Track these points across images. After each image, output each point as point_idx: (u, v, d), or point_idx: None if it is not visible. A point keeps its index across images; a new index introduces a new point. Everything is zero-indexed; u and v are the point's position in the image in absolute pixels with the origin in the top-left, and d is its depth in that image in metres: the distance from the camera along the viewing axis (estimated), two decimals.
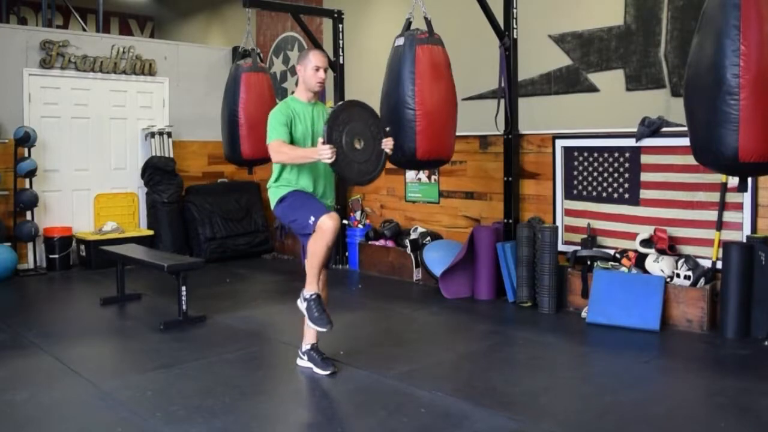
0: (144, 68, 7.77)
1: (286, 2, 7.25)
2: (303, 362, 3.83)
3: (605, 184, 5.18)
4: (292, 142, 3.58)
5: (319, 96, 3.80)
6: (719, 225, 4.60)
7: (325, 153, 3.30)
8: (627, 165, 5.04)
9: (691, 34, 3.74)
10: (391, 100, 4.51)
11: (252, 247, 7.79)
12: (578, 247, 5.15)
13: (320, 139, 3.38)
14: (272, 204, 3.68)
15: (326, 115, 3.80)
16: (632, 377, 3.67)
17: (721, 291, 4.37)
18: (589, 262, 4.96)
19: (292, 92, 3.92)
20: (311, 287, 3.54)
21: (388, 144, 3.63)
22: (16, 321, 4.99)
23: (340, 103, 3.54)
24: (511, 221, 5.52)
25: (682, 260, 4.63)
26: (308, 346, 3.80)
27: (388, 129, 3.74)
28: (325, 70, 3.70)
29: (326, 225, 3.39)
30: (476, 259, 5.45)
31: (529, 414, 3.15)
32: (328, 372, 3.69)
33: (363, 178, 3.60)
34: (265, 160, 5.79)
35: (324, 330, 3.54)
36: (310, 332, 3.79)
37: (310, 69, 3.65)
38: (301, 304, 3.59)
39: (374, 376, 3.68)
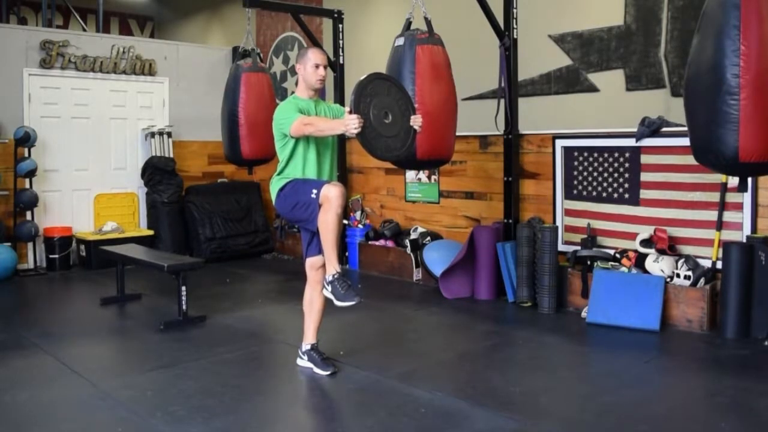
0: (144, 68, 7.77)
1: (286, 2, 7.25)
2: (303, 362, 3.82)
3: (605, 184, 5.18)
4: (298, 140, 3.53)
5: (319, 94, 3.80)
6: (719, 225, 4.60)
7: (352, 123, 3.18)
8: (627, 165, 5.04)
9: (691, 34, 3.74)
10: None
11: (252, 247, 7.79)
12: (578, 247, 5.14)
13: (346, 109, 3.30)
14: (273, 196, 3.65)
15: (331, 110, 3.76)
16: (632, 377, 3.67)
17: (721, 291, 4.37)
18: (589, 262, 4.96)
19: (293, 92, 3.91)
20: (332, 267, 3.40)
21: (417, 121, 3.50)
22: (16, 321, 4.99)
23: (369, 74, 3.40)
24: (511, 221, 5.52)
25: (682, 260, 4.63)
26: (308, 346, 3.80)
27: (417, 107, 3.54)
28: (325, 68, 3.67)
29: (331, 192, 3.34)
30: (476, 259, 5.45)
31: (529, 414, 3.15)
32: (328, 372, 3.68)
33: (389, 154, 3.43)
34: (265, 160, 5.80)
35: (353, 303, 3.36)
36: (310, 332, 3.79)
37: (310, 67, 3.62)
38: (326, 290, 3.43)
39: (374, 376, 3.67)
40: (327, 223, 3.37)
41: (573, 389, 3.55)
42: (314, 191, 3.41)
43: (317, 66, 3.62)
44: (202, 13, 10.81)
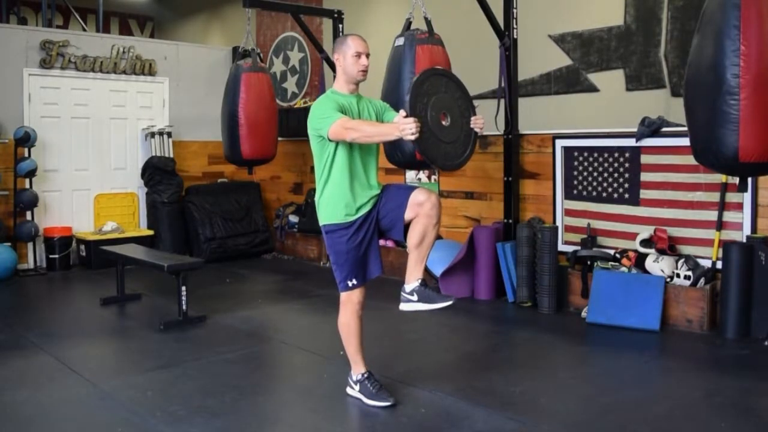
0: (144, 68, 7.77)
1: (286, 2, 7.25)
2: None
3: (605, 184, 5.18)
4: (338, 146, 3.09)
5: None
6: (719, 225, 4.60)
7: (408, 127, 2.75)
8: (627, 165, 5.04)
9: (691, 34, 3.74)
10: (390, 100, 4.50)
11: (252, 247, 7.79)
12: (578, 247, 5.14)
13: (401, 112, 2.83)
14: (320, 221, 3.26)
15: (374, 107, 3.29)
16: (632, 377, 3.67)
17: (721, 291, 4.37)
18: (589, 262, 4.96)
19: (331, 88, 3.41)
20: (357, 368, 3.30)
21: (478, 123, 3.14)
22: (16, 321, 4.99)
23: (424, 69, 3.03)
24: (511, 221, 5.52)
25: (682, 260, 4.63)
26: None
27: (477, 105, 3.15)
28: (368, 56, 3.18)
29: (353, 298, 3.26)
30: (476, 259, 5.45)
31: (529, 414, 3.15)
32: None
33: (450, 162, 3.07)
34: (265, 160, 5.81)
35: (389, 404, 3.18)
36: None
37: (350, 56, 3.13)
38: (353, 390, 3.31)
39: None
40: (342, 324, 3.29)
41: (573, 389, 3.54)
42: (351, 281, 3.22)
43: (359, 55, 3.13)
44: (202, 13, 10.81)
